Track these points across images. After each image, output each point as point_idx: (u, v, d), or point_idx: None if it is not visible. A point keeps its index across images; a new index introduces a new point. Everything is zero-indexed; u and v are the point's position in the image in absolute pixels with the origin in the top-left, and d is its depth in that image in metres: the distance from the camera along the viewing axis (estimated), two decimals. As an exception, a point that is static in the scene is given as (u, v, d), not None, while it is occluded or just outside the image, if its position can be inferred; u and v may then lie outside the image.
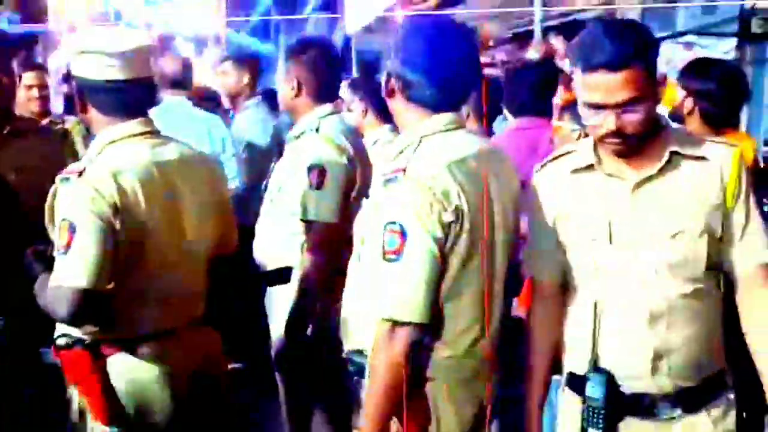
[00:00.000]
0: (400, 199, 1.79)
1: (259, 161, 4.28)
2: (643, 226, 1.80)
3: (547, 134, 3.16)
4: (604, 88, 1.70)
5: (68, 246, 1.98)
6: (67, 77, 3.28)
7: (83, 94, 2.16)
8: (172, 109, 4.04)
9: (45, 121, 4.14)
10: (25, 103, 4.20)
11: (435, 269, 1.78)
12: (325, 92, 2.89)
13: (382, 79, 1.98)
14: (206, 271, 2.33)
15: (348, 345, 2.01)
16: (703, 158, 1.81)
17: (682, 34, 6.01)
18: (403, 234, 1.76)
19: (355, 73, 10.77)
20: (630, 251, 1.81)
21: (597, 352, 1.85)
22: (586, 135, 1.99)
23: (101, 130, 2.16)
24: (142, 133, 2.17)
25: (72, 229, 1.97)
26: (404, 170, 1.80)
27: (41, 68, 4.72)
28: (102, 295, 2.01)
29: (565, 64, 5.43)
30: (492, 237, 1.90)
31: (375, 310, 1.81)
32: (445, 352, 1.88)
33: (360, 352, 1.92)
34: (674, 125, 2.01)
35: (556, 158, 1.97)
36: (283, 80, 2.89)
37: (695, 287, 1.81)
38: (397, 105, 1.95)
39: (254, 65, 4.67)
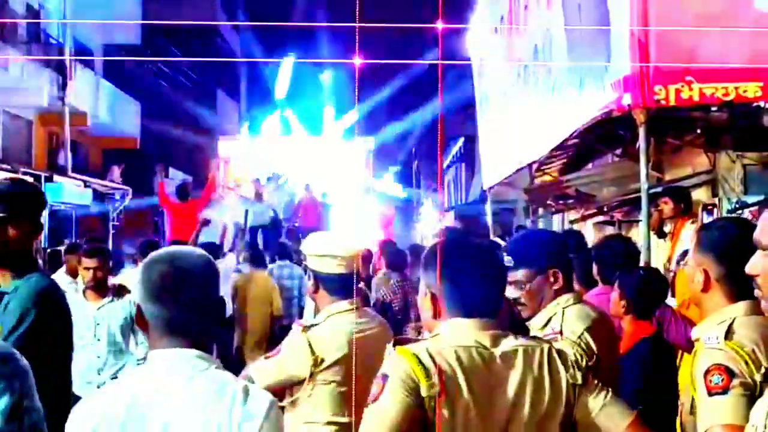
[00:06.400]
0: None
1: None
2: None
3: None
4: None
5: None
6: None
7: (318, 281, 3.33)
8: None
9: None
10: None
11: None
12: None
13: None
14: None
15: None
16: None
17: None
18: None
19: (489, 219, 12.02)
20: None
21: None
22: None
23: (326, 306, 3.31)
24: (349, 310, 3.30)
25: None
26: (560, 332, 2.81)
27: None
28: None
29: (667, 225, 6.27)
30: None
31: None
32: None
33: None
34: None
35: None
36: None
37: None
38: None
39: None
